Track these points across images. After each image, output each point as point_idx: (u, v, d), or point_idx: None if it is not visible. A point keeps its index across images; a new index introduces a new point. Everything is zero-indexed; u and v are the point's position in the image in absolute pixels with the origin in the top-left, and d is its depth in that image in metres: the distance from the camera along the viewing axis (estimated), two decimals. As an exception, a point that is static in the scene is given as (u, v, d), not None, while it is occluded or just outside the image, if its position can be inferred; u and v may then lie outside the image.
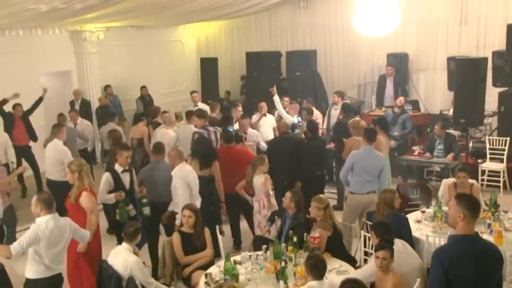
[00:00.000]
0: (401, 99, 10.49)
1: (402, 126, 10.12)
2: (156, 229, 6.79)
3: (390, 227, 5.02)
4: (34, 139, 10.19)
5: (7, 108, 10.00)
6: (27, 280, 4.80)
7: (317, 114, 10.25)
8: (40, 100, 10.44)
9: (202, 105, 11.57)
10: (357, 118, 8.53)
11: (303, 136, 8.74)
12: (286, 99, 10.59)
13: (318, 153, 8.09)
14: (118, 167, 6.32)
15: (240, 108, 10.06)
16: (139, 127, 10.04)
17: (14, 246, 4.56)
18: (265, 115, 9.95)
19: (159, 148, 7.09)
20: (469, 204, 3.62)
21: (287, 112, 9.96)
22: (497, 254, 3.71)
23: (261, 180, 6.89)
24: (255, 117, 10.13)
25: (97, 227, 5.79)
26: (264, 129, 9.78)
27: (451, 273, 3.55)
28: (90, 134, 10.52)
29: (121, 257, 5.01)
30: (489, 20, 11.74)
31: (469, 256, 3.58)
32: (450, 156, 9.05)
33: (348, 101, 11.83)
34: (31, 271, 4.75)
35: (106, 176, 6.22)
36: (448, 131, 9.68)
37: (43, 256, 4.70)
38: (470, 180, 6.72)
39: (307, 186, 7.59)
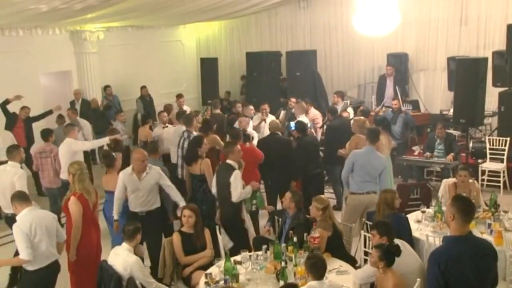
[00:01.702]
0: (394, 102, 10.32)
1: (403, 125, 10.07)
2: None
3: (391, 227, 5.02)
4: (30, 144, 9.77)
5: (13, 109, 9.97)
6: (24, 271, 4.94)
7: (316, 114, 10.22)
8: (49, 112, 10.43)
9: (186, 108, 11.57)
10: (363, 117, 8.51)
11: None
12: (293, 99, 10.55)
13: (312, 151, 8.04)
14: (233, 164, 6.38)
15: (251, 107, 10.10)
16: (144, 129, 10.05)
17: (23, 254, 4.78)
18: (264, 121, 9.91)
19: (154, 147, 7.26)
20: (460, 206, 3.63)
21: (293, 112, 9.92)
22: (491, 252, 3.73)
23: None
24: (256, 118, 10.12)
25: (97, 227, 5.80)
26: (265, 130, 9.75)
27: (448, 273, 3.57)
28: (89, 133, 10.51)
29: (121, 257, 5.00)
30: (489, 20, 11.72)
31: (464, 257, 3.60)
32: (450, 156, 9.06)
33: (349, 101, 11.85)
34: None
35: (239, 174, 6.32)
36: (448, 131, 9.68)
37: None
38: (471, 180, 6.73)
39: (306, 185, 7.57)
